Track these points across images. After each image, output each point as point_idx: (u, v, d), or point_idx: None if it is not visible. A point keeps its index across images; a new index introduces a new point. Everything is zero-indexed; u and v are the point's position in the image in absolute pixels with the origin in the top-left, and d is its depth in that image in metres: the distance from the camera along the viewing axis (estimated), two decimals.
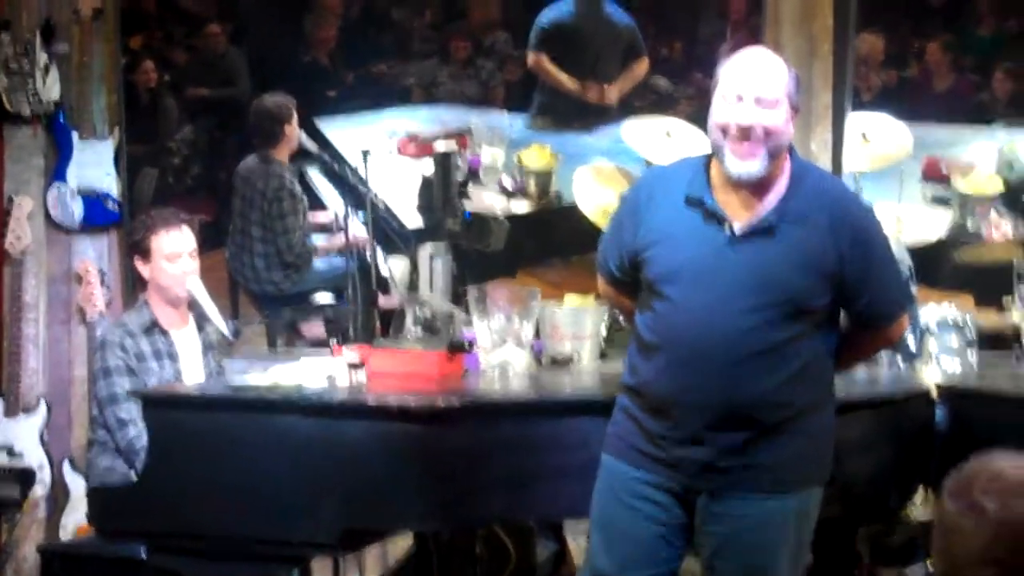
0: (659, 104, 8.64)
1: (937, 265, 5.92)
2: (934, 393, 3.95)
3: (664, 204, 3.25)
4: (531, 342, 4.32)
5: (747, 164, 3.14)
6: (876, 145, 6.11)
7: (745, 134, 3.13)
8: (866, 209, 3.39)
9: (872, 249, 3.24)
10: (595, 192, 6.21)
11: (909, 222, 6.04)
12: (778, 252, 3.14)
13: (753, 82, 3.14)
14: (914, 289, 4.69)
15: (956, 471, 2.08)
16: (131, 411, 4.16)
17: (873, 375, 4.28)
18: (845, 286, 3.20)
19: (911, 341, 4.45)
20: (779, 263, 3.14)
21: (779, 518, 3.22)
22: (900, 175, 6.16)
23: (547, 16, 7.43)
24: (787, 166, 3.22)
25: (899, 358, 4.34)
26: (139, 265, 4.47)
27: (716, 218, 3.19)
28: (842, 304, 3.27)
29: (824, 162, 6.09)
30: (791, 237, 3.14)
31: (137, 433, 4.14)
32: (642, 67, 7.50)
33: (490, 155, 6.85)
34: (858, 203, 3.41)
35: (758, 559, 3.24)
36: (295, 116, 6.38)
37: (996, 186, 6.46)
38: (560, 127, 7.17)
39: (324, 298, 6.15)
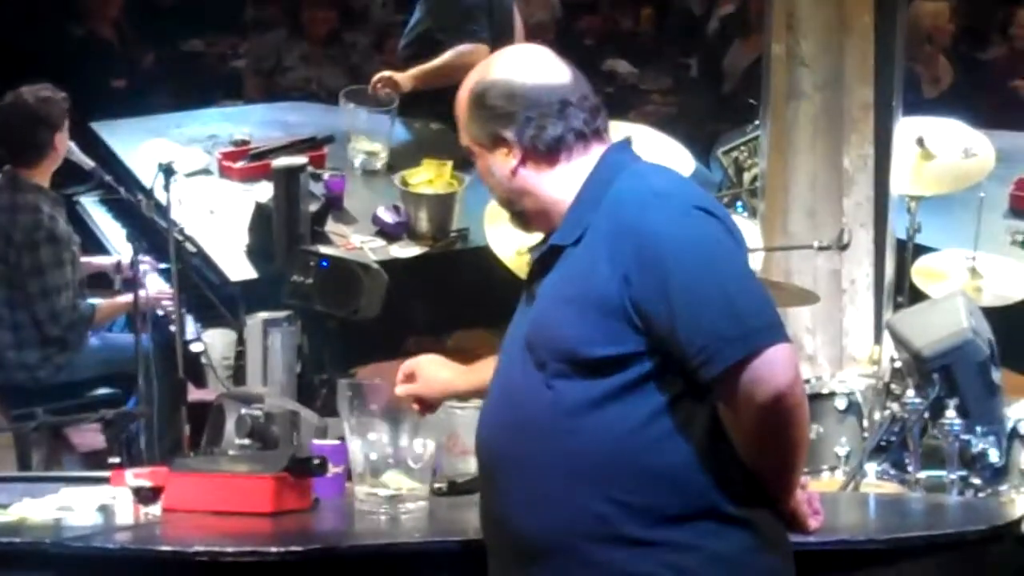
0: (619, 101, 8.65)
1: None
2: None
3: None
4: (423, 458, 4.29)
5: None
6: (940, 161, 6.17)
7: None
8: (670, 210, 3.19)
9: (669, 267, 3.11)
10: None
11: (990, 274, 6.08)
12: (544, 289, 3.28)
13: None
14: (997, 374, 4.72)
15: None
16: None
17: (935, 502, 4.27)
18: (647, 323, 3.13)
19: (993, 452, 4.47)
20: (544, 301, 3.26)
21: None
22: (978, 204, 6.20)
23: None
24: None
25: (974, 476, 4.35)
26: None
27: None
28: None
29: (863, 185, 6.09)
30: (562, 266, 3.25)
31: None
32: None
33: (359, 174, 6.86)
34: (657, 202, 3.20)
35: None
36: (66, 119, 6.37)
37: None
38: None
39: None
